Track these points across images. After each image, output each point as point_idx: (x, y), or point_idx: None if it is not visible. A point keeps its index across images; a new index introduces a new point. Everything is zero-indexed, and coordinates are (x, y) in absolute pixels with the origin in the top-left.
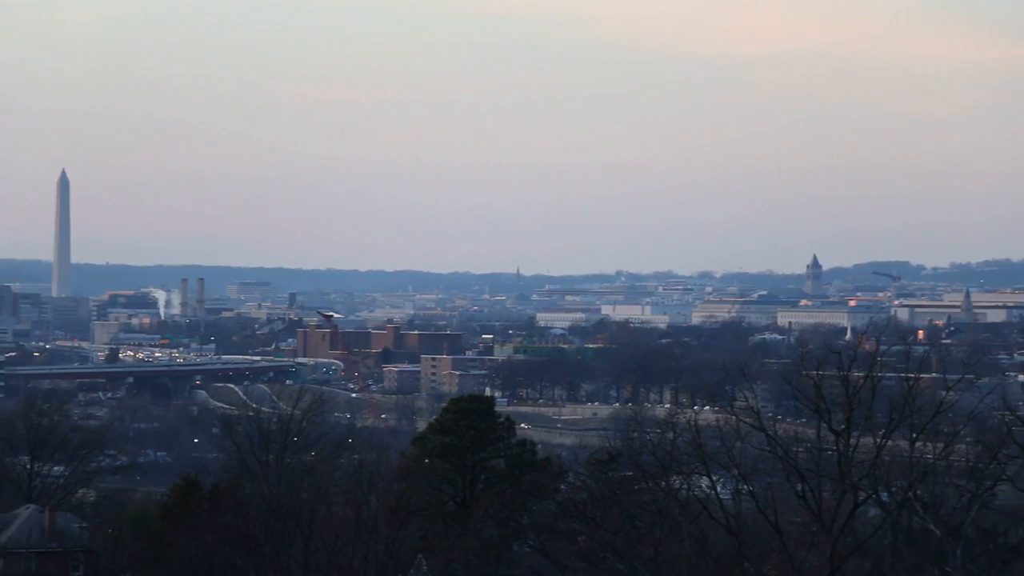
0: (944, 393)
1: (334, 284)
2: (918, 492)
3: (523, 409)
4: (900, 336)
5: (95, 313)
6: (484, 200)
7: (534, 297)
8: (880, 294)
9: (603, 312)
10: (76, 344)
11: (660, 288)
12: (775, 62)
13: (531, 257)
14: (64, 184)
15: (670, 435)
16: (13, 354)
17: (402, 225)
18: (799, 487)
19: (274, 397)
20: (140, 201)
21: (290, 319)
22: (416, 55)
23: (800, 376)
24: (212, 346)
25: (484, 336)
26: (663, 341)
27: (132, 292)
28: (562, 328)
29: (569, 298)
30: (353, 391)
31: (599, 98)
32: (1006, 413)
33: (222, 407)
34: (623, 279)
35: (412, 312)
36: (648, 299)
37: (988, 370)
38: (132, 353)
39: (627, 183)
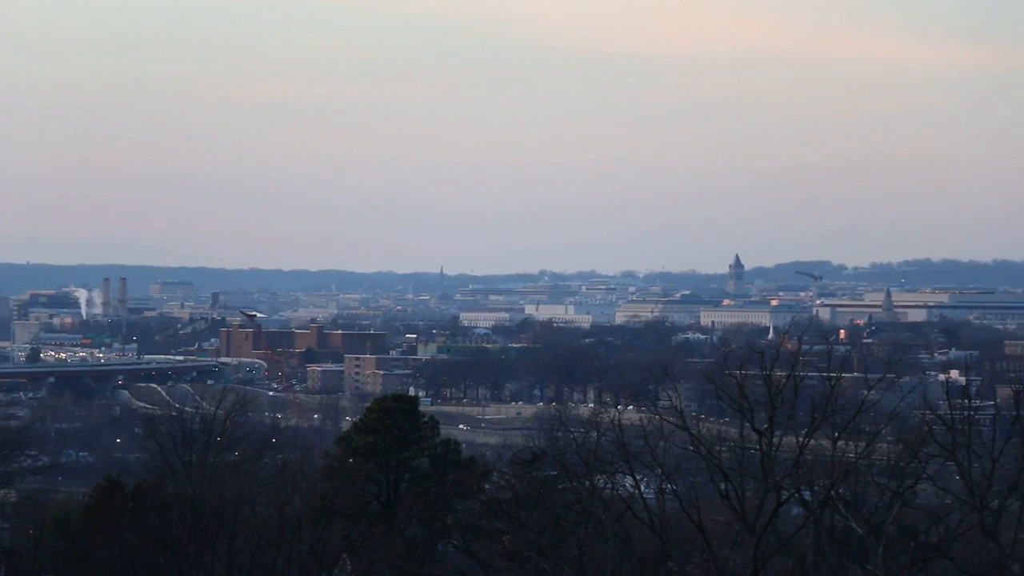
0: (866, 392)
1: (257, 283)
2: (840, 491)
3: (447, 409)
4: (822, 335)
5: (15, 312)
6: (408, 199)
7: (458, 297)
8: (802, 294)
9: (527, 312)
10: None
11: (583, 288)
12: (705, 64)
13: (455, 257)
14: None
15: (594, 434)
16: None
17: (325, 224)
18: (722, 486)
19: (197, 397)
20: (62, 198)
21: (213, 319)
22: (341, 52)
23: (723, 375)
24: (134, 346)
25: (408, 336)
26: (587, 340)
27: (53, 291)
28: (486, 328)
29: (493, 298)
30: (276, 391)
31: (524, 98)
32: (927, 412)
33: (145, 407)
34: (547, 279)
35: (336, 311)
36: (572, 299)
37: (909, 369)
38: (53, 353)
39: (550, 183)
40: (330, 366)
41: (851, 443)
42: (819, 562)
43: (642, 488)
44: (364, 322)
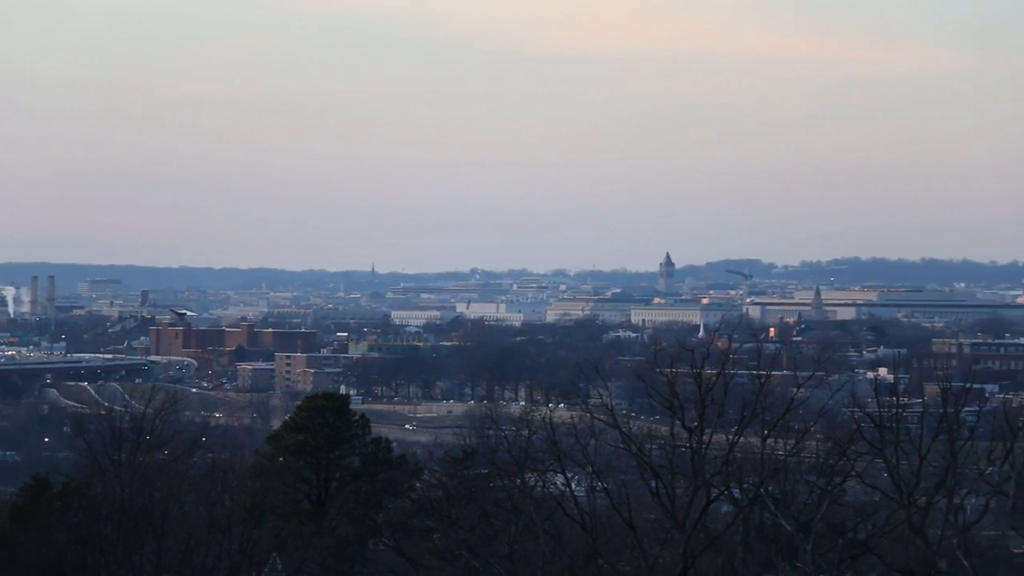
0: (795, 390)
1: (187, 282)
2: (769, 488)
3: (378, 407)
4: (752, 333)
5: None
6: (339, 197)
7: (389, 295)
8: (732, 292)
9: (458, 310)
10: None
11: (515, 286)
12: (640, 65)
13: (386, 255)
14: None
15: (525, 433)
16: None
17: (256, 222)
18: (653, 484)
19: (126, 395)
20: None
21: (142, 317)
22: (275, 47)
23: (653, 373)
24: (63, 344)
25: (339, 334)
26: (518, 339)
27: None
28: (417, 326)
29: (424, 296)
30: (206, 389)
31: (455, 96)
32: (855, 410)
33: (73, 406)
34: (478, 277)
35: (266, 310)
36: (503, 297)
37: (838, 367)
38: None
39: (481, 180)
40: (261, 364)
41: (780, 441)
42: (748, 559)
43: (573, 486)
44: (295, 320)
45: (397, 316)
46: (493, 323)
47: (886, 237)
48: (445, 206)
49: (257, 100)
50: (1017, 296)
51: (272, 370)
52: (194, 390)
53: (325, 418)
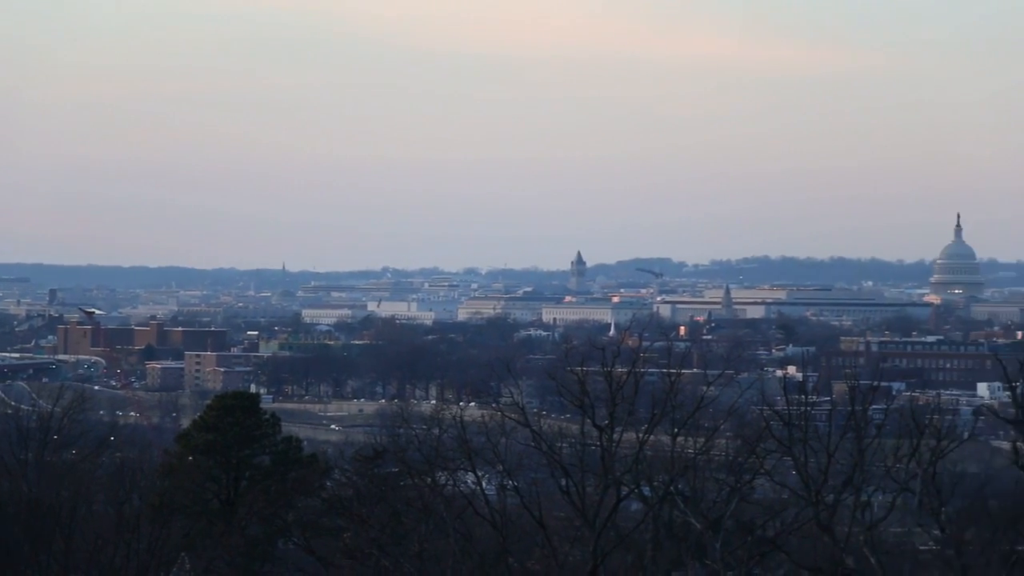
0: (705, 388)
1: (96, 280)
2: (679, 486)
3: (289, 406)
4: (662, 332)
5: None
6: (248, 196)
7: (300, 293)
8: (643, 291)
9: (369, 308)
10: None
11: (426, 285)
12: (543, 62)
13: (297, 253)
14: None
15: (436, 431)
16: None
17: (166, 220)
18: (563, 482)
19: (34, 395)
20: None
21: (50, 316)
22: (183, 47)
23: (564, 372)
24: None
25: (249, 333)
26: (429, 337)
27: None
28: (328, 325)
29: (335, 294)
30: (115, 388)
31: (361, 94)
32: (764, 408)
33: None
34: (389, 275)
35: (176, 309)
36: (414, 296)
37: (747, 365)
38: None
39: (392, 179)
40: (170, 363)
41: (690, 439)
42: (657, 557)
43: (483, 484)
44: (205, 319)
45: (308, 315)
46: (404, 322)
47: (795, 236)
48: (356, 204)
49: (162, 105)
50: (924, 295)
51: (182, 369)
52: (102, 389)
53: (235, 417)
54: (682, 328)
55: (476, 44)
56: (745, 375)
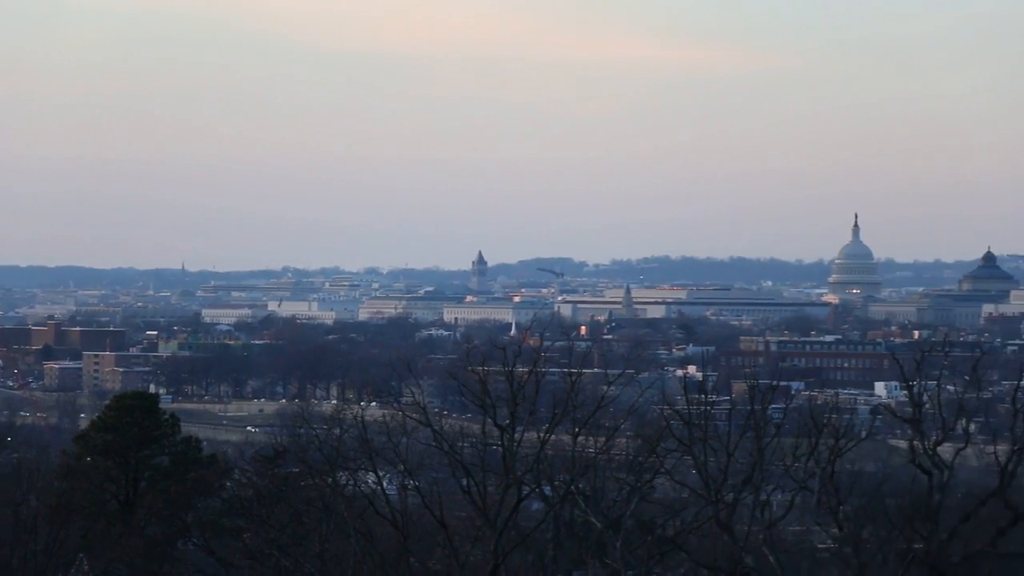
0: (605, 388)
1: None
2: (580, 485)
3: (188, 406)
4: (563, 331)
5: None
6: (147, 195)
7: (200, 293)
8: (544, 290)
9: (270, 308)
10: None
11: (327, 284)
12: (442, 61)
13: (196, 253)
14: None
15: (337, 431)
16: None
17: (64, 220)
18: (464, 482)
19: None
20: None
21: None
22: (74, 47)
23: (466, 371)
24: None
25: (148, 332)
26: (330, 337)
27: None
28: (228, 324)
29: (235, 294)
30: (12, 388)
31: (263, 91)
32: (665, 407)
33: None
34: (290, 275)
35: (74, 308)
36: (315, 295)
37: (648, 365)
38: None
39: (291, 179)
40: (68, 364)
41: (591, 438)
42: (558, 556)
43: (384, 484)
44: (103, 319)
45: (208, 314)
46: (305, 321)
47: (696, 236)
48: (256, 205)
49: (58, 105)
50: (822, 294)
51: (80, 369)
52: (2, 390)
53: (134, 417)
54: (583, 328)
55: (380, 41)
56: (645, 375)
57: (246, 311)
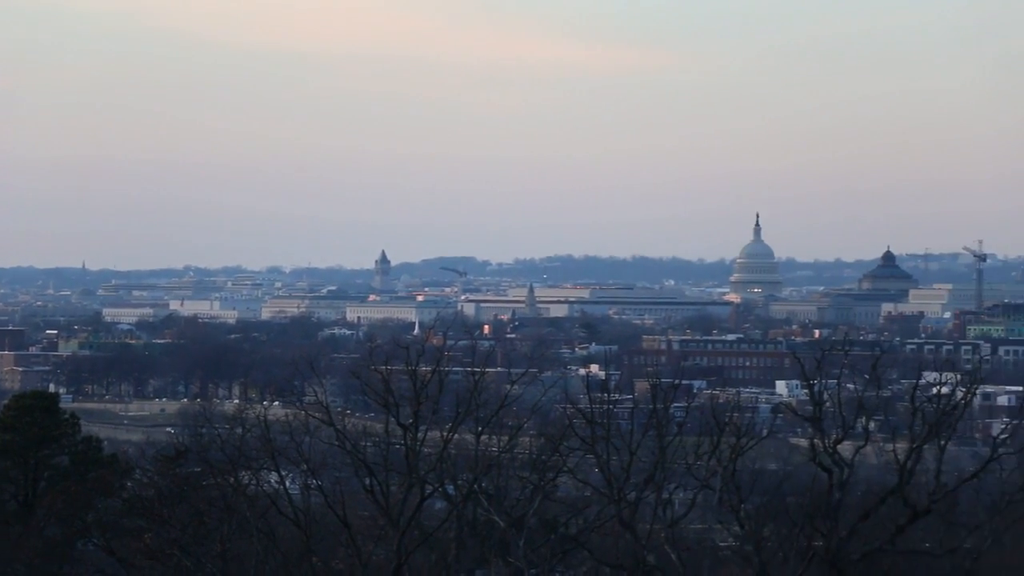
0: (509, 387)
1: None
2: (483, 484)
3: (89, 406)
4: (467, 330)
5: None
6: (46, 192)
7: (100, 292)
8: (447, 289)
9: (171, 307)
10: None
11: (229, 283)
12: (346, 60)
13: (97, 252)
14: None
15: (239, 431)
16: None
17: None
18: (367, 481)
19: None
20: None
21: None
22: None
23: (369, 371)
24: None
25: (48, 332)
26: (232, 336)
27: None
28: (129, 323)
29: (136, 293)
30: None
31: (150, 89)
32: (568, 406)
33: None
34: (192, 274)
35: None
36: (217, 294)
37: (550, 364)
38: None
39: (193, 178)
40: None
41: (494, 437)
42: (461, 555)
43: (287, 484)
44: (2, 318)
45: (109, 313)
46: (207, 320)
47: (598, 235)
48: (157, 204)
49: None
50: (724, 293)
51: None
52: None
53: (33, 417)
54: (486, 327)
55: (270, 37)
56: (548, 374)
57: (147, 310)
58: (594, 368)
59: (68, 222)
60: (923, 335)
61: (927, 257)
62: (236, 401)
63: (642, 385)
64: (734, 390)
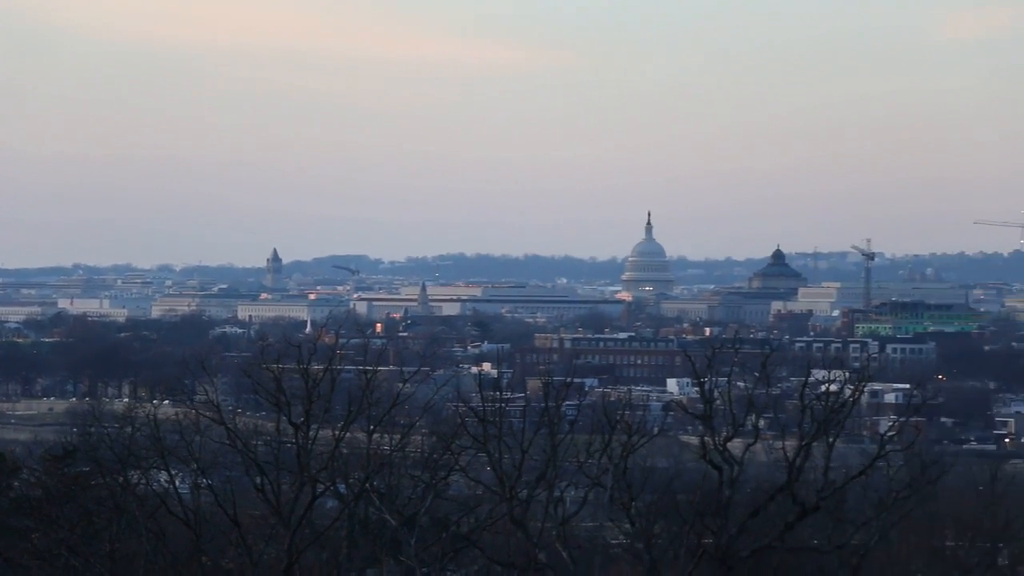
0: (401, 385)
1: None
2: (375, 483)
3: None
4: (359, 329)
5: None
6: None
7: None
8: (339, 287)
9: (60, 305)
10: None
11: (119, 282)
12: (244, 56)
13: None
14: None
15: (128, 429)
16: None
17: None
18: (258, 480)
19: None
20: None
21: None
22: None
23: (260, 369)
24: None
25: None
26: (122, 335)
27: None
28: (17, 322)
29: (24, 291)
30: None
31: (59, 86)
32: (460, 404)
33: None
34: (81, 272)
35: None
36: (107, 293)
37: (443, 362)
38: None
39: (82, 175)
40: None
41: (386, 436)
42: (353, 554)
43: (177, 483)
44: None
45: None
46: (97, 319)
47: (490, 233)
48: (45, 199)
49: None
50: (616, 292)
51: None
52: None
53: None
54: (379, 325)
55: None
56: (441, 372)
57: (35, 308)
58: (486, 366)
59: None
60: (812, 333)
61: (816, 256)
62: (126, 400)
63: (534, 383)
64: (625, 388)
